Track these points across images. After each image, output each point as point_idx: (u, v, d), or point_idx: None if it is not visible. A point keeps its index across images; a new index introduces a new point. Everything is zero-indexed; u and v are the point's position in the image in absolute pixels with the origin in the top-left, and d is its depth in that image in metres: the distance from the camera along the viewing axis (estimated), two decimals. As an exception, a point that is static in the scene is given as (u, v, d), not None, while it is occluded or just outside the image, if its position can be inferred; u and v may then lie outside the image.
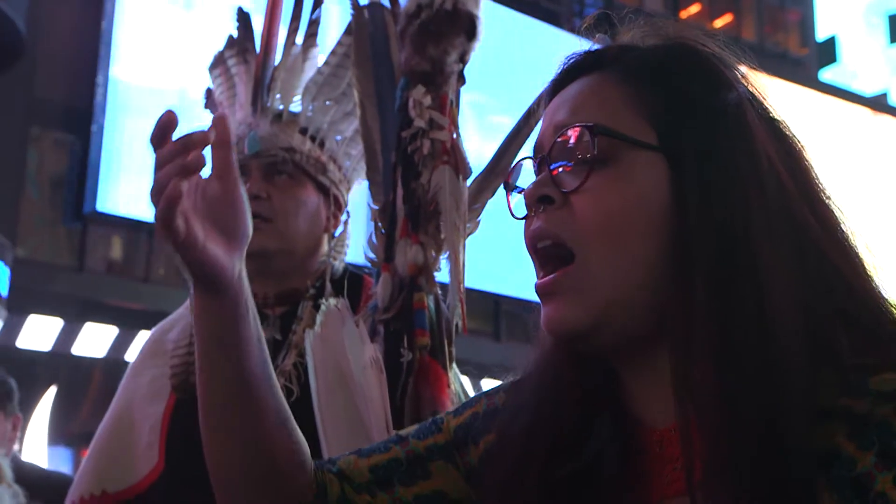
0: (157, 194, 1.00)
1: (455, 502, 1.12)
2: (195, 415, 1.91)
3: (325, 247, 2.02)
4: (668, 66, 0.99)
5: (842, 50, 24.43)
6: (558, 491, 0.98)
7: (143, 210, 12.70)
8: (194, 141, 1.02)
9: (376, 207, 1.82)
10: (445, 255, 1.72)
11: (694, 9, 20.36)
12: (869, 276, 0.95)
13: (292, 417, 1.15)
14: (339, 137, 2.05)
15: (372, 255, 1.78)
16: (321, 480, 1.15)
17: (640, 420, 0.98)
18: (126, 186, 13.02)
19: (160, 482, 1.87)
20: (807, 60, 20.20)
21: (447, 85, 1.78)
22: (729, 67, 1.00)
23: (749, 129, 0.96)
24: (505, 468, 1.03)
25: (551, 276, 0.97)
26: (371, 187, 1.86)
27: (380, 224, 1.78)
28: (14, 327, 12.35)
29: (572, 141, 0.97)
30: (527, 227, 1.00)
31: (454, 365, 1.83)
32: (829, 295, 0.91)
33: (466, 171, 1.74)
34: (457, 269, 1.69)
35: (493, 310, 15.33)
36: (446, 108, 1.76)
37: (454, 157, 1.73)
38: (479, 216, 1.81)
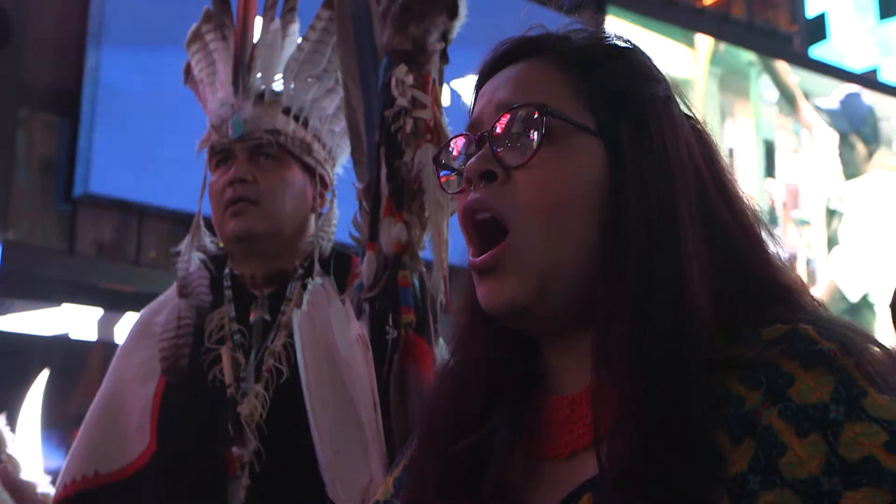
0: None
1: None
2: (185, 397, 1.94)
3: (312, 226, 2.03)
4: (604, 58, 1.05)
5: (831, 27, 24.41)
6: (461, 463, 1.03)
7: (134, 192, 12.68)
8: None
9: (361, 186, 1.83)
10: (430, 233, 1.74)
11: (683, -14, 20.29)
12: (769, 257, 1.03)
13: None
14: (322, 115, 2.06)
15: (357, 234, 1.80)
16: None
17: (554, 391, 1.05)
18: (116, 169, 12.99)
19: (151, 464, 1.89)
20: (796, 37, 20.19)
21: (430, 64, 1.79)
22: (656, 64, 1.08)
23: (675, 122, 1.03)
24: (415, 453, 1.09)
25: (489, 252, 1.00)
26: (356, 167, 1.87)
27: (364, 203, 1.80)
28: (5, 311, 12.31)
29: (518, 120, 1.01)
30: (461, 200, 1.03)
31: (440, 341, 1.85)
32: (735, 274, 1.00)
33: (449, 150, 1.75)
34: (440, 247, 1.71)
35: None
36: (429, 86, 1.77)
37: (437, 136, 1.75)
38: (462, 194, 1.82)
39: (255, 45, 2.06)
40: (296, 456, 1.77)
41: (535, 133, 0.99)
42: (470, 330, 1.09)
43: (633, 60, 1.07)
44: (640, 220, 0.98)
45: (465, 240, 1.04)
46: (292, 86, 2.05)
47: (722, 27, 17.51)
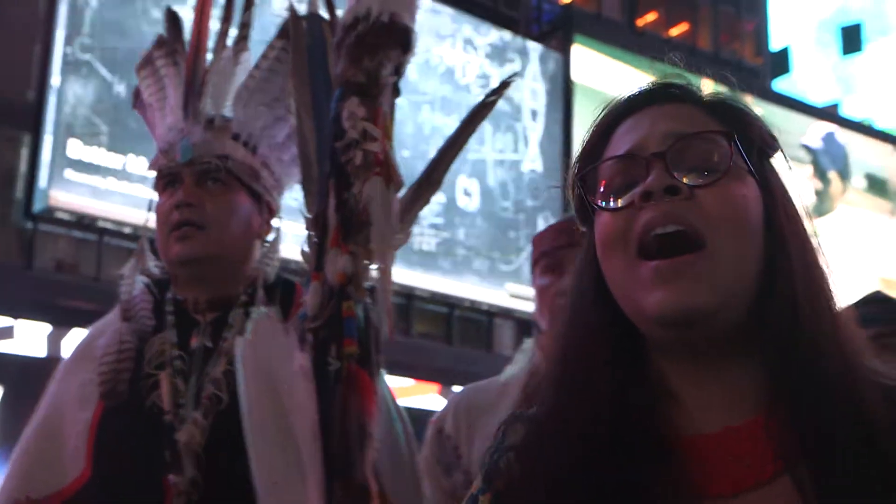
0: None
1: None
2: (123, 422, 1.92)
3: (257, 253, 2.03)
4: (740, 111, 1.16)
5: (794, 61, 24.74)
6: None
7: (95, 209, 12.61)
8: None
9: (310, 216, 1.84)
10: (376, 266, 1.74)
11: (651, 17, 20.52)
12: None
13: None
14: (271, 142, 2.06)
15: (304, 264, 1.80)
16: None
17: (688, 427, 1.08)
18: (78, 186, 12.91)
19: (86, 489, 1.87)
20: (761, 70, 20.44)
21: (382, 97, 1.80)
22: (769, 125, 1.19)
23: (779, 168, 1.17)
24: (542, 490, 1.08)
25: (681, 257, 1.04)
26: (305, 196, 1.87)
27: (312, 233, 1.80)
28: (-39, 326, 12.20)
29: (699, 145, 1.10)
30: (623, 216, 1.09)
31: (381, 372, 1.86)
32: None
33: (398, 183, 1.76)
34: (386, 280, 1.71)
35: (446, 314, 15.37)
36: (380, 119, 1.78)
37: (386, 169, 1.75)
38: (410, 227, 1.83)
39: (206, 72, 2.06)
40: (233, 485, 1.76)
41: (724, 158, 1.08)
42: (602, 351, 1.12)
43: (758, 117, 1.17)
44: (797, 250, 1.09)
45: (626, 255, 1.08)
46: (243, 112, 2.05)
47: (688, 58, 17.75)
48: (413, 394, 13.94)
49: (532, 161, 15.93)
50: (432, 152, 1.95)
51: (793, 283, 1.07)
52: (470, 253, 15.13)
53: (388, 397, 1.95)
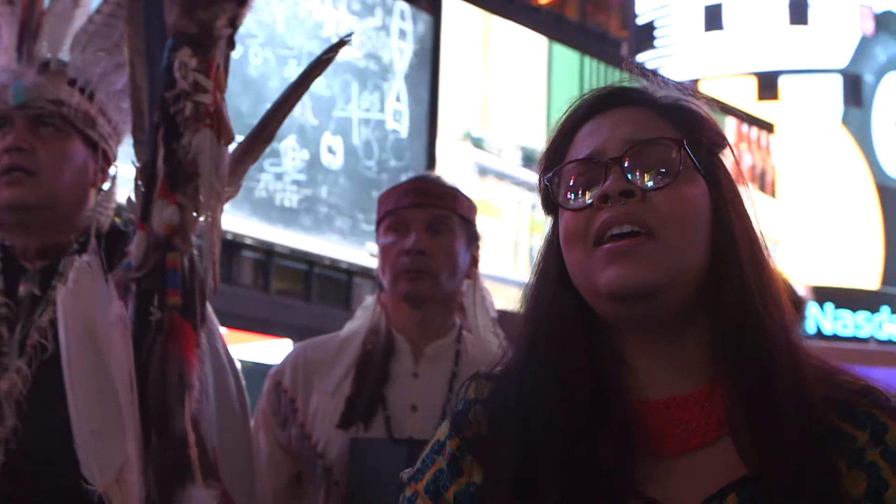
0: None
1: None
2: None
3: (91, 202, 2.01)
4: (691, 113, 1.29)
5: (659, 35, 25.26)
6: (575, 461, 1.16)
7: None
8: None
9: (139, 166, 1.82)
10: (203, 217, 1.74)
11: (521, -16, 20.65)
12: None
13: None
14: (109, 90, 2.03)
15: (130, 214, 1.79)
16: None
17: (639, 393, 1.21)
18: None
19: None
20: (626, 43, 20.83)
21: (215, 49, 1.79)
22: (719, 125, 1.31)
23: (734, 165, 1.30)
24: (516, 455, 1.19)
25: (632, 239, 1.18)
26: (135, 145, 1.86)
27: (139, 183, 1.79)
28: None
29: (652, 150, 1.22)
30: (584, 215, 1.22)
31: (213, 324, 1.86)
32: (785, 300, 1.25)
33: (228, 136, 1.76)
34: (213, 232, 1.72)
35: (306, 272, 15.29)
36: (212, 71, 1.77)
37: (216, 121, 1.75)
38: (240, 181, 1.84)
39: (43, 13, 2.02)
40: (54, 434, 1.75)
41: (674, 163, 1.21)
42: (567, 328, 1.24)
43: (709, 117, 1.30)
44: (744, 241, 1.23)
45: (584, 247, 1.21)
46: (80, 57, 2.01)
47: (555, 26, 17.91)
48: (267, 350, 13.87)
49: (397, 122, 15.93)
50: (297, 106, 1.96)
51: (740, 268, 1.21)
52: (332, 211, 15.06)
53: (219, 347, 1.96)
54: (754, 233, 1.26)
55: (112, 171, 2.05)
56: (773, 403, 1.15)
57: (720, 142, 1.29)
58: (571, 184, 1.26)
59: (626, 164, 1.21)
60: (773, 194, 21.58)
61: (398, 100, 16.03)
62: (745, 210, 1.27)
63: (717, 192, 1.24)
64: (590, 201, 1.22)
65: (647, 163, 1.22)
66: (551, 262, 1.29)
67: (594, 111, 1.29)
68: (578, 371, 1.21)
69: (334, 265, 15.26)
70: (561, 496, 1.14)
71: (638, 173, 1.21)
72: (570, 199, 1.25)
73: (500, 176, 16.23)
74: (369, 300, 2.60)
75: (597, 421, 1.18)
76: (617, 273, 1.17)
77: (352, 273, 15.18)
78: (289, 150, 14.43)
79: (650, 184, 1.20)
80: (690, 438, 1.18)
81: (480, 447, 1.24)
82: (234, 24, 1.82)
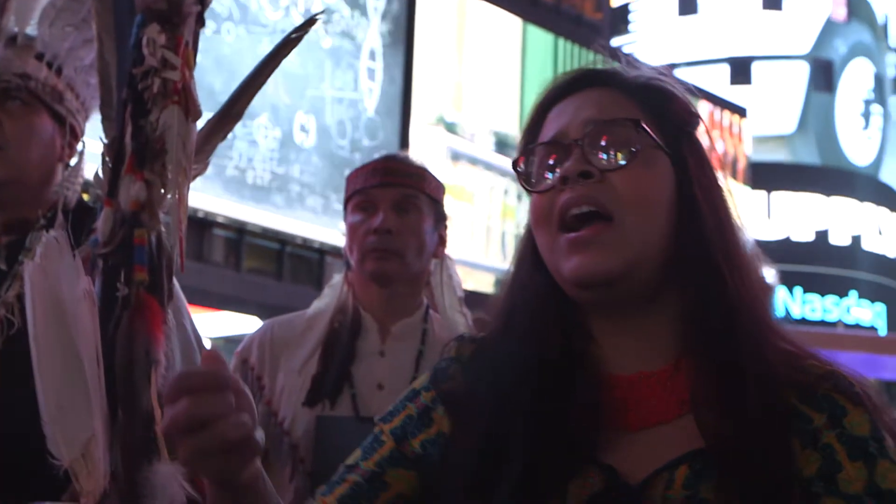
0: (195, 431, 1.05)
1: (413, 501, 1.28)
2: None
3: (59, 177, 2.00)
4: (661, 93, 1.30)
5: (633, 19, 25.32)
6: (542, 429, 1.19)
7: None
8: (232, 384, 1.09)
9: (107, 142, 1.82)
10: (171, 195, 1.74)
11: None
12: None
13: None
14: (78, 65, 2.02)
15: (97, 190, 1.78)
16: None
17: (607, 368, 1.25)
18: None
19: None
20: (600, 25, 20.83)
21: (184, 25, 1.79)
22: (693, 104, 1.33)
23: (706, 146, 1.31)
24: (486, 421, 1.22)
25: (590, 228, 1.19)
26: (103, 121, 1.85)
27: (107, 159, 1.78)
28: None
29: (611, 132, 1.23)
30: (548, 197, 1.24)
31: (180, 300, 1.86)
32: (757, 280, 1.27)
33: (196, 113, 1.76)
34: (180, 209, 1.72)
35: (278, 251, 15.26)
36: (181, 48, 1.77)
37: (185, 98, 1.75)
38: (208, 157, 1.84)
39: None
40: (19, 409, 1.75)
41: (631, 144, 1.23)
42: (540, 306, 1.27)
43: (681, 98, 1.31)
44: (711, 221, 1.24)
45: (550, 230, 1.23)
46: (48, 32, 2.00)
47: (530, 8, 17.90)
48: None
49: (370, 100, 15.88)
50: (270, 85, 1.96)
51: (706, 248, 1.23)
52: (304, 190, 15.03)
53: (186, 324, 1.96)
54: (723, 212, 1.27)
55: (79, 146, 2.05)
56: (735, 381, 1.17)
57: (691, 121, 1.31)
58: (538, 166, 1.28)
59: (586, 146, 1.23)
60: (744, 182, 21.70)
61: (371, 79, 15.98)
62: (715, 189, 1.28)
63: (683, 171, 1.26)
64: (553, 183, 1.24)
65: (608, 143, 1.24)
66: (527, 242, 1.32)
67: (564, 93, 1.31)
68: (549, 346, 1.24)
69: (306, 244, 15.25)
70: (525, 460, 1.17)
71: (599, 154, 1.23)
72: (535, 181, 1.28)
73: (473, 161, 16.25)
74: (337, 279, 2.61)
75: (565, 393, 1.21)
76: (578, 263, 1.20)
77: (324, 252, 15.16)
78: (261, 128, 14.36)
79: (608, 164, 1.22)
80: (651, 415, 1.21)
81: (454, 403, 1.28)
82: (202, 1, 1.81)
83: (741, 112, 22.14)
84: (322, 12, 2.13)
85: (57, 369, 1.70)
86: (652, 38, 25.54)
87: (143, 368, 1.67)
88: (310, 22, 1.97)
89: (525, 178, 1.29)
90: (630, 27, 25.25)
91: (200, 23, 1.83)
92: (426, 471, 1.27)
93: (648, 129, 1.24)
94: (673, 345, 1.24)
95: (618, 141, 1.24)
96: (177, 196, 1.72)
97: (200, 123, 1.84)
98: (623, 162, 1.22)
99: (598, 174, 1.22)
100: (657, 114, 1.27)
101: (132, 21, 1.84)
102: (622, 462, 1.18)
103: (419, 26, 16.40)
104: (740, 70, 26.19)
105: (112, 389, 1.66)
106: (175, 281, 1.83)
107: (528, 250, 1.31)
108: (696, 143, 1.30)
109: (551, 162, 1.27)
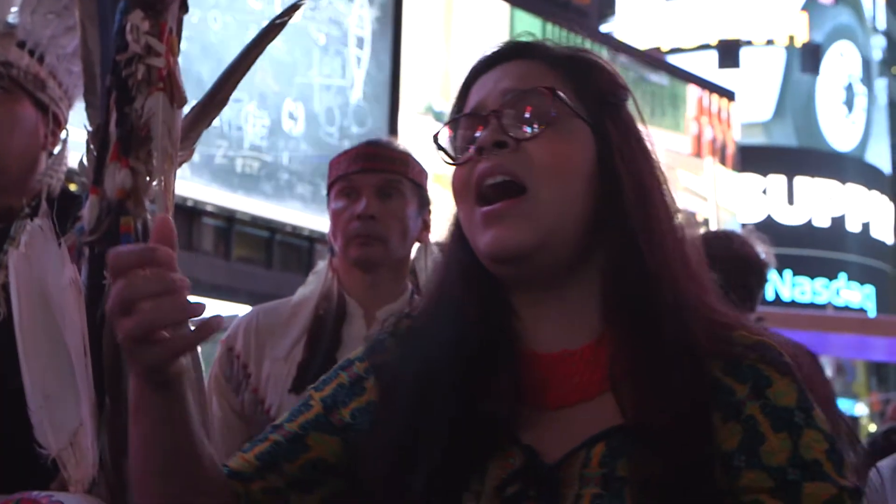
0: (129, 313, 1.04)
1: (333, 466, 1.27)
2: None
3: (42, 165, 1.99)
4: (586, 64, 1.29)
5: (620, 3, 25.35)
6: (463, 408, 1.18)
7: None
8: (158, 259, 1.07)
9: (91, 130, 1.81)
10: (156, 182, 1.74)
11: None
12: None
13: (214, 454, 1.23)
14: (60, 53, 2.01)
15: (82, 178, 1.78)
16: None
17: (531, 345, 1.23)
18: None
19: None
20: (588, 10, 20.82)
21: (167, 12, 1.78)
22: (621, 77, 1.31)
23: (635, 119, 1.30)
24: (410, 397, 1.22)
25: (503, 202, 1.18)
26: (87, 109, 1.84)
27: (92, 146, 1.78)
28: None
29: (527, 101, 1.21)
30: (467, 169, 1.22)
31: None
32: (687, 253, 1.25)
33: (181, 100, 1.75)
34: (166, 196, 1.71)
35: (267, 239, 15.24)
36: (165, 34, 1.76)
37: (170, 85, 1.74)
38: (194, 144, 1.83)
39: None
40: (5, 398, 1.75)
41: (545, 112, 1.20)
42: (463, 282, 1.26)
43: (607, 70, 1.30)
44: (632, 193, 1.21)
45: (469, 203, 1.21)
46: (29, 19, 1.99)
47: (518, -5, 17.85)
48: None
49: (358, 87, 15.86)
50: (258, 72, 1.96)
51: (625, 220, 1.20)
52: (293, 177, 15.00)
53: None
54: (648, 185, 1.24)
55: (63, 134, 2.03)
56: (652, 355, 1.15)
57: (618, 93, 1.29)
58: (460, 140, 1.27)
59: (502, 116, 1.22)
60: (732, 167, 21.72)
61: (359, 66, 15.94)
62: (640, 161, 1.25)
63: (604, 141, 1.23)
64: (471, 155, 1.23)
65: (524, 113, 1.22)
66: (454, 221, 1.31)
67: (488, 66, 1.29)
68: (471, 324, 1.23)
69: (296, 232, 15.22)
70: (445, 440, 1.16)
71: (515, 124, 1.21)
72: (456, 154, 1.27)
73: (461, 146, 16.21)
74: (321, 265, 2.60)
75: (486, 371, 1.20)
76: (492, 237, 1.18)
77: (313, 240, 15.14)
78: (250, 116, 14.32)
79: (523, 133, 1.20)
80: (574, 392, 1.19)
81: (383, 376, 1.28)
82: (186, -13, 1.81)
83: (730, 96, 22.14)
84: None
85: (43, 358, 1.69)
86: (638, 23, 25.54)
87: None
88: (293, 7, 1.96)
89: (446, 152, 1.28)
90: (616, 11, 25.25)
91: (184, 9, 1.83)
92: (353, 439, 1.27)
93: (566, 98, 1.22)
94: (596, 320, 1.22)
95: (534, 110, 1.22)
96: (163, 183, 1.72)
97: (186, 110, 1.84)
98: (537, 130, 1.20)
99: (514, 143, 1.20)
100: (580, 84, 1.26)
101: (115, 8, 1.83)
102: (543, 441, 1.17)
103: (407, 11, 16.36)
104: (728, 53, 26.22)
105: (99, 378, 1.66)
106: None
107: (455, 226, 1.30)
108: (622, 115, 1.28)
109: (469, 134, 1.26)
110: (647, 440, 1.10)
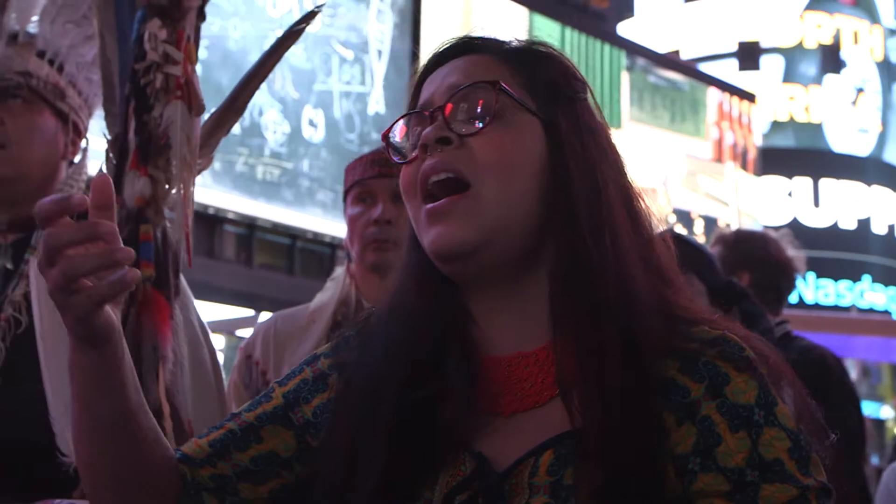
0: (54, 262, 1.04)
1: (285, 461, 1.24)
2: None
3: (62, 174, 2.00)
4: (538, 57, 1.25)
5: (638, 4, 25.29)
6: (412, 414, 1.15)
7: None
8: (74, 205, 1.07)
9: (110, 138, 1.82)
10: (175, 189, 1.75)
11: (502, -45, 20.52)
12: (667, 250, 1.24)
13: (160, 431, 1.21)
14: (79, 61, 2.01)
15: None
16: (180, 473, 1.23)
17: (486, 348, 1.19)
18: None
19: None
20: (606, 13, 20.79)
21: (185, 20, 1.79)
22: (578, 71, 1.26)
23: (595, 115, 1.24)
24: (359, 400, 1.19)
25: (446, 199, 1.15)
26: (106, 118, 1.86)
27: (111, 155, 1.79)
28: None
29: (471, 96, 1.18)
30: (414, 167, 1.18)
31: (187, 297, 1.87)
32: (651, 250, 1.20)
33: (199, 108, 1.77)
34: (185, 204, 1.72)
35: (288, 246, 15.27)
36: (182, 43, 1.77)
37: (188, 93, 1.75)
38: (213, 152, 1.84)
39: None
40: (30, 407, 1.75)
41: (489, 106, 1.16)
42: (414, 287, 1.22)
43: (561, 62, 1.25)
44: (582, 189, 1.16)
45: (416, 202, 1.18)
46: (49, 29, 1.99)
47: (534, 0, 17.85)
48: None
49: (377, 94, 15.89)
50: (277, 80, 1.96)
51: (574, 217, 1.15)
52: (314, 185, 15.03)
53: (194, 320, 1.96)
54: (600, 180, 1.19)
55: (83, 143, 2.04)
56: (600, 359, 1.10)
57: (572, 84, 1.24)
58: (407, 138, 1.25)
59: (447, 112, 1.18)
60: (754, 172, 21.63)
61: (377, 72, 15.98)
62: (592, 155, 1.20)
63: (554, 135, 1.19)
64: (417, 153, 1.20)
65: (469, 108, 1.18)
66: (410, 222, 1.27)
67: (438, 63, 1.26)
68: (422, 324, 1.20)
69: (317, 238, 15.25)
70: (393, 447, 1.13)
71: (461, 120, 1.18)
72: (406, 153, 1.23)
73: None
74: (339, 271, 2.60)
75: (436, 375, 1.16)
76: (436, 234, 1.15)
77: (334, 246, 15.16)
78: (270, 123, 14.37)
79: (467, 129, 1.17)
80: (527, 397, 1.15)
81: (343, 374, 1.25)
82: (203, -5, 1.82)
83: (750, 98, 22.05)
84: (321, 5, 2.10)
85: (64, 366, 1.69)
86: (657, 26, 25.50)
87: (150, 364, 1.67)
88: (311, 14, 1.97)
89: (395, 151, 1.24)
90: (635, 14, 25.20)
91: (201, 17, 1.84)
92: (313, 435, 1.24)
93: (512, 92, 1.18)
94: (549, 322, 1.17)
95: (479, 105, 1.18)
96: (182, 191, 1.73)
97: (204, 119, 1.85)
98: (480, 125, 1.16)
99: (458, 140, 1.17)
100: (531, 78, 1.22)
101: (133, 17, 1.85)
102: (495, 448, 1.13)
103: (425, 16, 16.39)
104: (748, 55, 26.12)
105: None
106: (181, 277, 1.83)
107: (411, 227, 1.25)
108: (576, 108, 1.22)
109: (417, 132, 1.22)
110: (591, 447, 1.06)
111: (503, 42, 1.27)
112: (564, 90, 1.23)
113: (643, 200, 1.23)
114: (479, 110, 1.17)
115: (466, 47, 1.26)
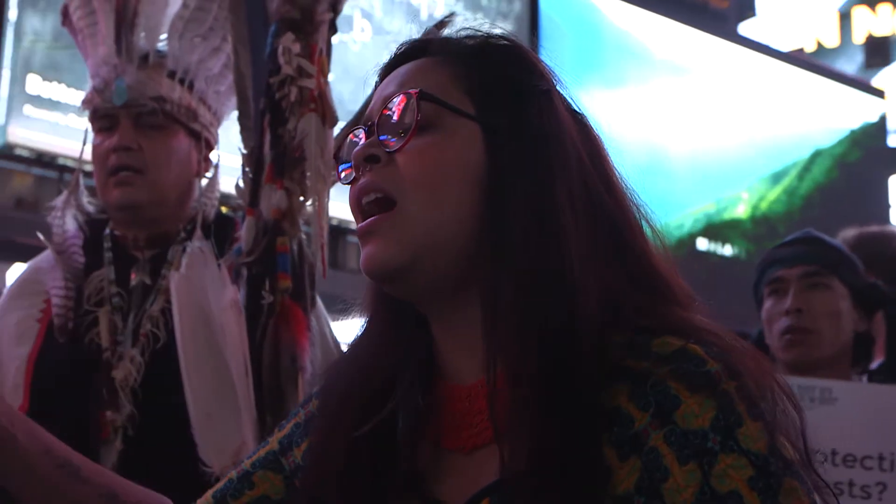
0: None
1: (277, 503, 1.20)
2: (61, 359, 1.93)
3: (196, 191, 2.02)
4: (487, 52, 1.12)
5: (760, 3, 24.74)
6: (365, 447, 1.06)
7: (54, 144, 12.51)
8: None
9: (245, 152, 1.84)
10: (310, 202, 1.76)
11: (619, -42, 20.35)
12: (652, 251, 1.08)
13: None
14: (208, 75, 2.01)
15: (238, 200, 1.81)
16: None
17: (449, 376, 1.09)
18: (38, 121, 12.75)
19: None
20: (727, 13, 20.41)
21: (317, 34, 1.80)
22: (540, 63, 1.13)
23: (555, 112, 1.08)
24: (319, 434, 1.12)
25: (371, 219, 1.06)
26: (242, 132, 1.88)
27: (247, 168, 1.81)
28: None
29: (397, 108, 1.07)
30: (353, 187, 1.09)
31: (320, 309, 1.88)
32: (619, 262, 1.05)
33: (333, 119, 1.78)
34: (320, 215, 1.73)
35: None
36: (315, 56, 1.79)
37: (321, 105, 1.77)
38: (344, 164, 1.84)
39: (138, 1, 2.03)
40: (169, 419, 1.78)
41: (412, 117, 1.05)
42: (375, 310, 1.14)
43: (514, 56, 1.12)
44: (519, 198, 1.03)
45: (356, 221, 1.09)
46: (177, 45, 2.01)
47: (657, 4, 17.66)
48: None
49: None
50: (398, 91, 1.95)
51: (508, 234, 1.04)
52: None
53: (327, 332, 1.97)
54: (554, 188, 1.05)
55: (214, 159, 2.06)
56: (529, 395, 0.98)
57: (527, 80, 1.10)
58: (348, 156, 1.15)
59: (377, 127, 1.09)
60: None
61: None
62: (544, 160, 1.06)
63: (494, 140, 1.07)
64: (354, 173, 1.10)
65: (398, 122, 1.08)
66: None
67: (388, 70, 1.17)
68: (384, 355, 1.12)
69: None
70: (342, 485, 1.07)
71: (389, 134, 1.08)
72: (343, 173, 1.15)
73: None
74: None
75: (391, 408, 1.08)
76: (364, 254, 1.07)
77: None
78: (389, 134, 14.51)
79: (391, 145, 1.07)
80: (483, 431, 1.04)
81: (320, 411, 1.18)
82: (335, 8, 1.83)
83: (880, 94, 21.36)
84: (451, 14, 2.06)
85: (205, 378, 1.72)
86: (780, 23, 24.92)
87: (289, 375, 1.68)
88: (441, 24, 1.96)
89: (336, 173, 1.16)
90: (756, 12, 24.66)
91: (332, 30, 1.85)
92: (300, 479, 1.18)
93: (445, 97, 1.07)
94: (483, 352, 1.04)
95: (402, 117, 1.07)
96: (317, 203, 1.74)
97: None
98: (402, 140, 1.06)
99: (385, 156, 1.07)
100: (476, 78, 1.09)
101: (265, 31, 1.87)
102: (451, 490, 1.03)
103: (544, 28, 16.34)
104: (877, 51, 25.33)
105: (260, 396, 1.68)
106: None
107: None
108: (526, 107, 1.08)
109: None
110: (527, 496, 0.95)
111: (454, 41, 1.15)
112: (516, 86, 1.10)
113: (638, 207, 1.10)
114: (405, 122, 1.07)
115: (415, 51, 1.16)
